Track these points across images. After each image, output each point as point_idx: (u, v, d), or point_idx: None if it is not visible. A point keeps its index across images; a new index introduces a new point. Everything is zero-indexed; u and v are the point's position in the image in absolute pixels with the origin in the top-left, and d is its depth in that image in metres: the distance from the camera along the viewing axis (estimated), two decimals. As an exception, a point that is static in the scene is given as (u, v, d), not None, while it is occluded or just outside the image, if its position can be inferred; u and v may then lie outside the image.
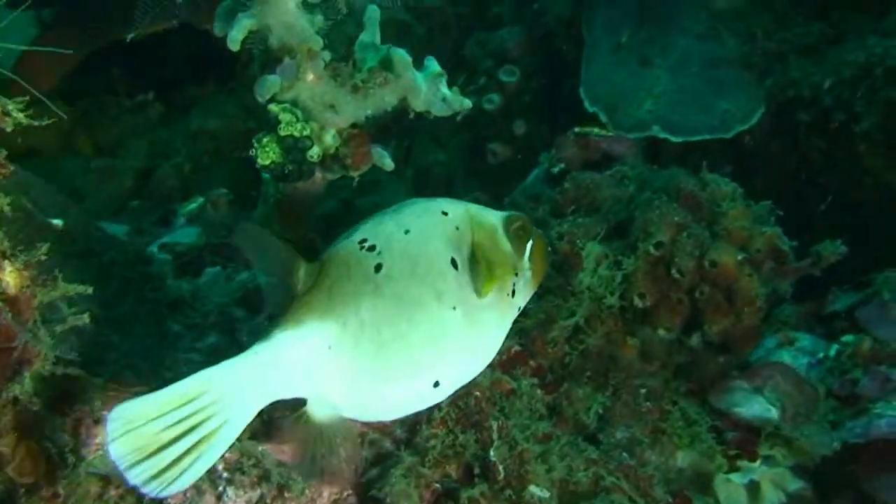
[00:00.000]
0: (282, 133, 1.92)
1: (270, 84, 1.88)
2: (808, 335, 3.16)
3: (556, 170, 2.57)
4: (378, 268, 1.69)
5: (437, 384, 1.74)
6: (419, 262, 1.72)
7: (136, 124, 5.19)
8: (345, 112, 1.99)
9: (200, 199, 3.18)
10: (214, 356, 2.22)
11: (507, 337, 1.89)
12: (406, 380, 1.71)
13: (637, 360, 2.26)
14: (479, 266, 1.77)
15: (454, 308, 1.73)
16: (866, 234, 3.86)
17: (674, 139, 3.91)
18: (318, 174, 2.04)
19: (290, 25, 1.87)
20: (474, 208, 1.88)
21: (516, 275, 1.85)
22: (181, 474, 1.51)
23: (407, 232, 1.75)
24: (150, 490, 1.49)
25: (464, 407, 2.05)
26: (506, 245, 1.86)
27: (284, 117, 1.92)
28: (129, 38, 2.58)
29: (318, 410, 1.68)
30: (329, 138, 1.99)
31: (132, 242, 2.63)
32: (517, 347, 2.21)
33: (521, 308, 1.90)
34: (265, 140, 1.92)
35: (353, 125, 2.04)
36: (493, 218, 1.88)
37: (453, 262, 1.75)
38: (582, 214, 2.33)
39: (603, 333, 2.22)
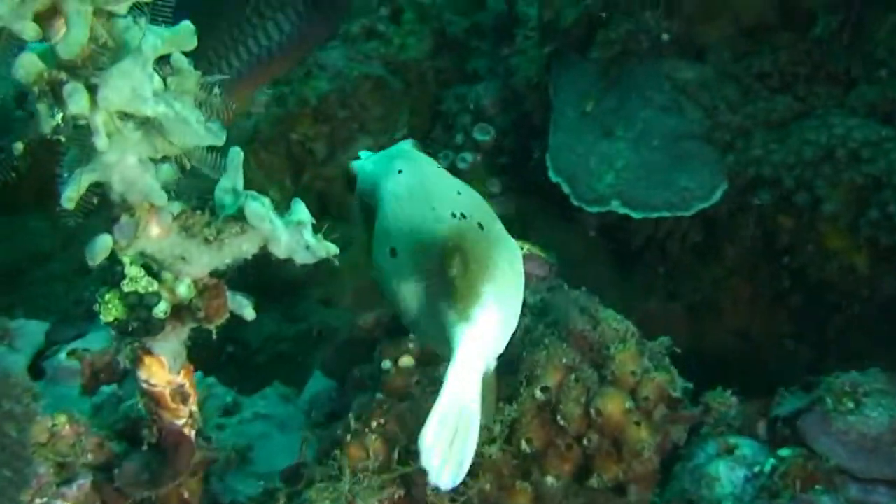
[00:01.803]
0: (125, 289, 1.84)
1: (101, 246, 1.80)
2: (750, 441, 3.01)
3: (461, 290, 2.45)
4: (481, 226, 1.80)
5: None
6: (482, 205, 1.89)
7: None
8: (199, 263, 1.91)
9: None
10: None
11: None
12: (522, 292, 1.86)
13: (530, 504, 2.15)
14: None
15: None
16: (830, 318, 3.73)
17: (634, 215, 3.81)
18: (173, 325, 1.96)
19: (131, 181, 1.79)
20: (397, 149, 2.09)
21: None
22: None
23: (459, 193, 1.89)
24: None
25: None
26: None
27: (130, 271, 1.85)
28: None
29: (491, 366, 1.79)
30: (183, 290, 1.91)
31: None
32: (401, 492, 2.13)
33: None
34: (108, 296, 1.85)
35: (213, 273, 1.96)
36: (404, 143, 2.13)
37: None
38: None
39: (490, 480, 2.12)
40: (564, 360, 2.12)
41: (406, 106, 5.11)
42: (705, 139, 3.74)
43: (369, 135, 5.04)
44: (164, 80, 1.76)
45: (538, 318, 2.29)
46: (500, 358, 1.83)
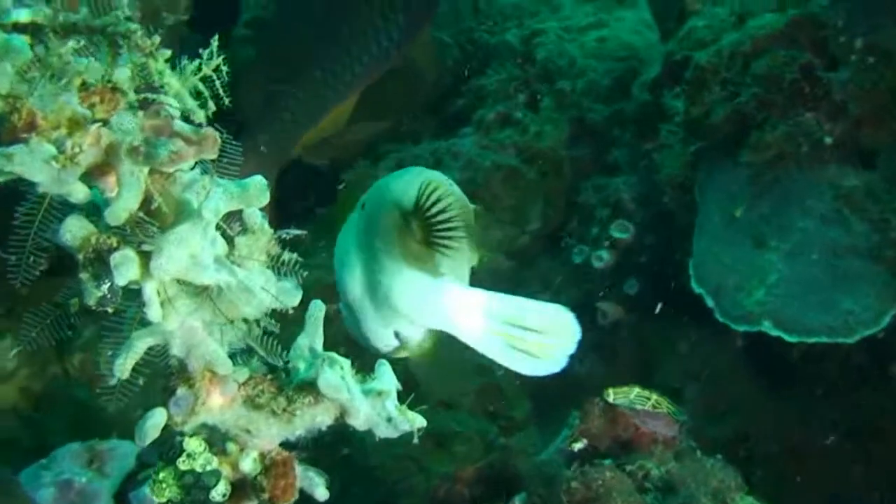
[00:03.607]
0: (181, 467, 1.64)
1: (153, 424, 1.59)
2: None
3: (577, 447, 2.16)
4: None
5: None
6: None
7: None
8: (266, 435, 1.68)
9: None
10: None
11: None
12: None
13: None
14: None
15: None
16: None
17: (787, 338, 3.39)
18: (235, 502, 1.74)
19: (193, 346, 1.59)
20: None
21: None
22: None
23: None
24: None
25: None
26: None
27: (189, 445, 1.64)
28: None
29: None
30: (248, 464, 1.69)
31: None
32: None
33: None
34: (162, 474, 1.64)
35: (283, 444, 1.73)
36: None
37: None
38: (589, 526, 1.92)
39: None
40: (692, 563, 1.78)
41: (540, 196, 4.84)
42: (872, 256, 3.30)
43: (500, 225, 4.80)
44: (232, 239, 1.56)
45: (662, 498, 1.95)
46: None
